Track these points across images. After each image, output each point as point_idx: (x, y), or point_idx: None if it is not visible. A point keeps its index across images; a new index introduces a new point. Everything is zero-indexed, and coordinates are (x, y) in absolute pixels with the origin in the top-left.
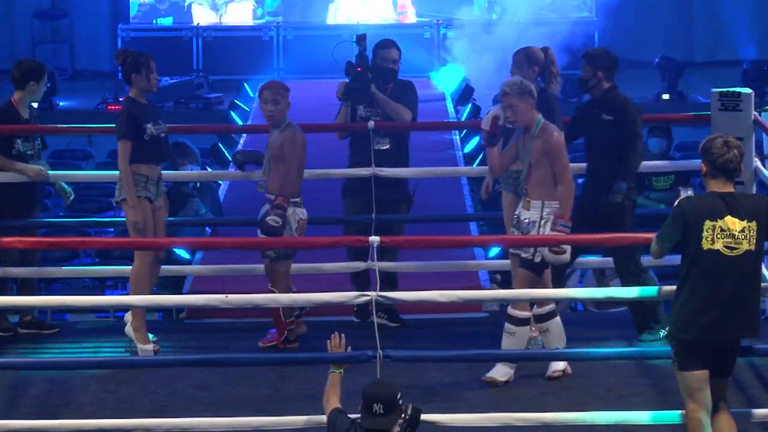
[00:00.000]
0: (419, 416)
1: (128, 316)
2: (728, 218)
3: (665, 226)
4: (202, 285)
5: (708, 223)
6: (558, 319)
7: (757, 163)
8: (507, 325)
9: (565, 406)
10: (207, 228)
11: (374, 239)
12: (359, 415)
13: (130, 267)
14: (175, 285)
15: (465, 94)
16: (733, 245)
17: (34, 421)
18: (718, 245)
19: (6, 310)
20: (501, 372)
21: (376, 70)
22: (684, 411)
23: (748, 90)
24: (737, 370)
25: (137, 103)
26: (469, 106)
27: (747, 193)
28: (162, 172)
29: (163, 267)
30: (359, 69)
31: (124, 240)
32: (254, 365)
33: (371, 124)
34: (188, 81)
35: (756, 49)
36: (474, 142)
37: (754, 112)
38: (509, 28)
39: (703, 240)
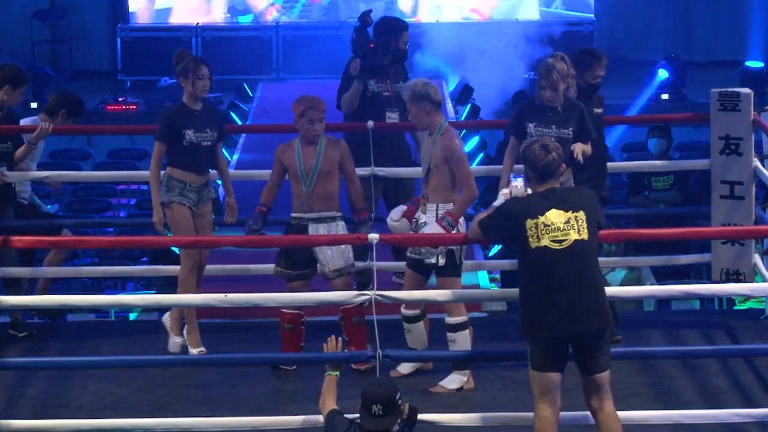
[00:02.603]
0: (416, 415)
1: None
2: (549, 212)
3: (490, 217)
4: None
5: (529, 222)
6: (467, 332)
7: (757, 162)
8: (450, 334)
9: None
10: None
11: (374, 237)
12: (358, 416)
13: (131, 267)
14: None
15: (464, 94)
16: (559, 238)
17: (33, 421)
18: (545, 241)
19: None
20: (455, 380)
21: (387, 48)
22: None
23: (747, 90)
24: (736, 369)
25: (184, 107)
26: (469, 105)
27: (572, 186)
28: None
29: (163, 267)
30: (372, 45)
31: (123, 239)
32: (253, 365)
33: (370, 124)
34: None
35: (756, 48)
36: (473, 141)
37: (754, 112)
38: (508, 28)
39: (529, 239)
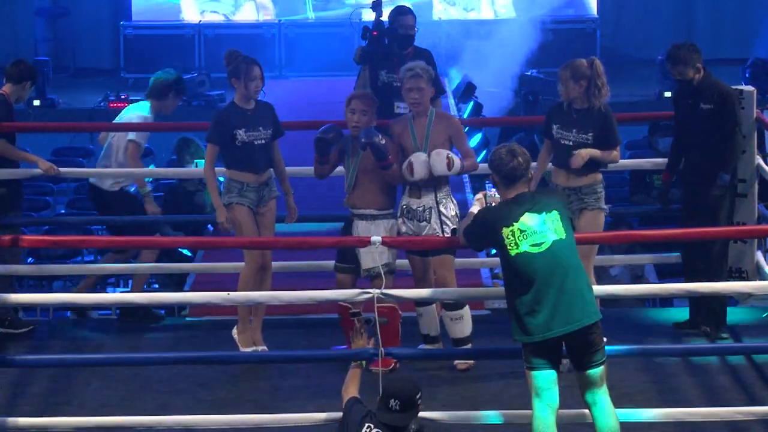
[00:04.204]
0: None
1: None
2: (523, 218)
3: (469, 227)
4: (204, 282)
5: (505, 231)
6: (468, 307)
7: (759, 161)
8: (455, 312)
9: (568, 403)
10: (209, 225)
11: (376, 239)
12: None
13: (133, 264)
14: (177, 282)
15: (467, 91)
16: (537, 241)
17: (36, 419)
18: (524, 247)
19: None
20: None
21: (393, 35)
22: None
23: (750, 87)
24: (739, 366)
25: (235, 107)
26: (471, 103)
27: (543, 190)
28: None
29: (165, 264)
30: (374, 33)
31: (125, 239)
32: (256, 362)
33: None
34: (190, 78)
35: (760, 46)
36: (476, 139)
37: (756, 110)
38: (510, 26)
39: (508, 247)
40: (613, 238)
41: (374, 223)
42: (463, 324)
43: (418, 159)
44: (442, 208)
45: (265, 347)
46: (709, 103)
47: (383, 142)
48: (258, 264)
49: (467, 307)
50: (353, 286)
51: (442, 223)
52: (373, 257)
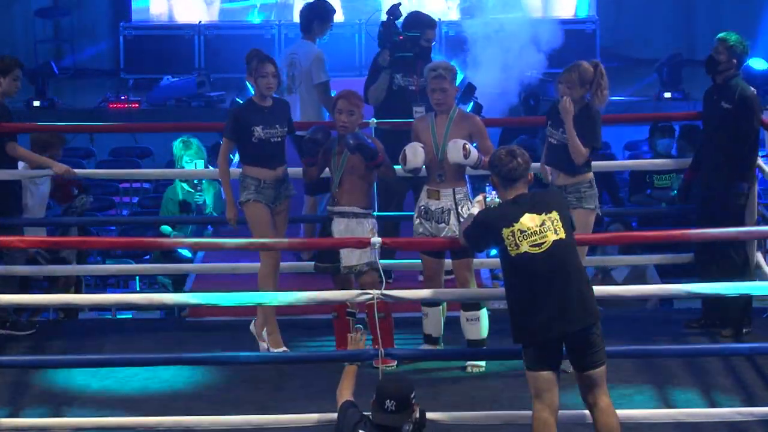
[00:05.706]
0: (425, 419)
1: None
2: (523, 218)
3: (470, 228)
4: (203, 283)
5: (506, 231)
6: (486, 309)
7: (759, 161)
8: (472, 312)
9: (568, 403)
10: (209, 226)
11: (375, 240)
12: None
13: (132, 265)
14: (176, 283)
15: (467, 92)
16: (538, 241)
17: (36, 419)
18: (524, 248)
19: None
20: None
21: (419, 48)
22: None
23: (750, 89)
24: (739, 367)
25: (253, 105)
26: (471, 104)
27: (542, 190)
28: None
29: (165, 265)
30: (400, 38)
31: (125, 240)
32: (256, 364)
33: (373, 120)
34: (190, 79)
35: (760, 46)
36: None
37: None
38: (509, 25)
39: (508, 248)
40: (613, 239)
41: (357, 221)
42: (479, 325)
43: (412, 148)
44: (460, 210)
45: (285, 349)
46: (729, 103)
47: (369, 141)
48: (276, 260)
49: (485, 309)
50: (350, 284)
51: (460, 224)
52: (356, 255)
